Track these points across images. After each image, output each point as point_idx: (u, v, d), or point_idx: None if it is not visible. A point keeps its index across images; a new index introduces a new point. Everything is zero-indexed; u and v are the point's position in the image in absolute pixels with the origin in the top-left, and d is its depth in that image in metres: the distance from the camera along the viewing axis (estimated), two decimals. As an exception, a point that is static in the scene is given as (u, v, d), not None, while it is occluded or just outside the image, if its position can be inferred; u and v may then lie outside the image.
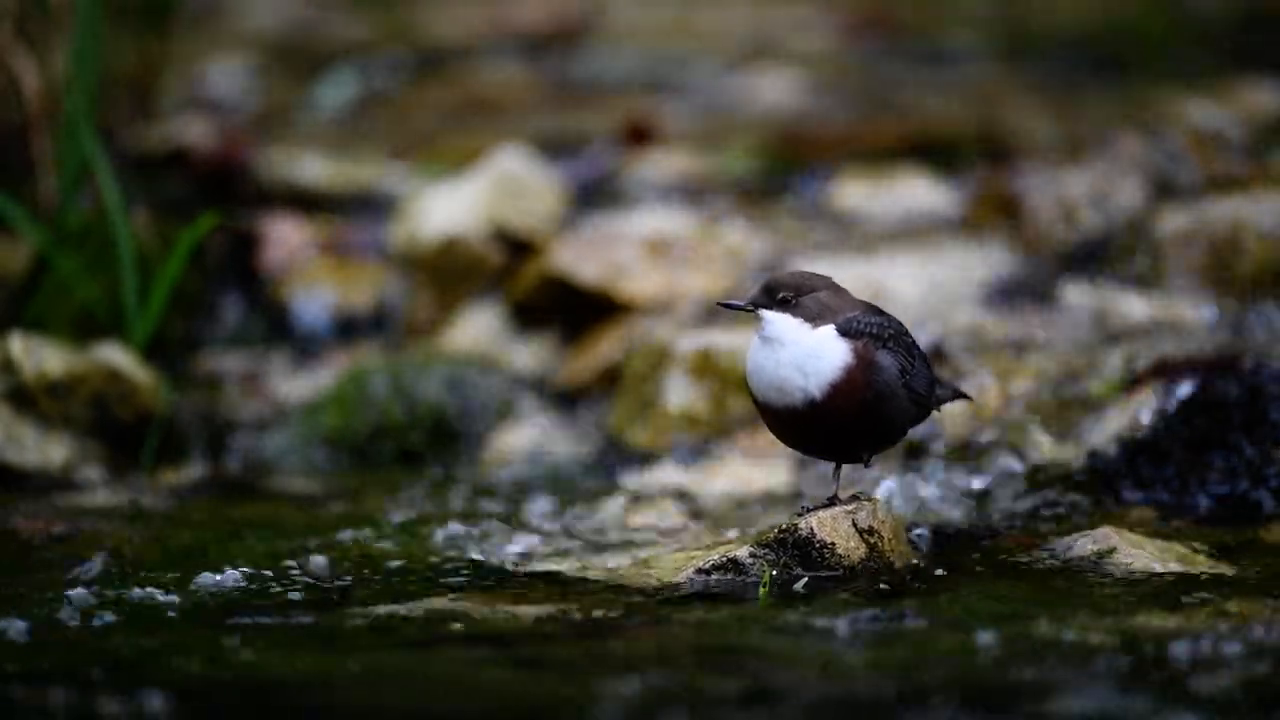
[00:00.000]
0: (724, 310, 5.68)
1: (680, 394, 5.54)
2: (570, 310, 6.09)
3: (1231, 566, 4.17)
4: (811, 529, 4.13)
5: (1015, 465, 4.89)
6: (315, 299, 6.35)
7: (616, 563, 4.42)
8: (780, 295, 4.14)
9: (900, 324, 4.23)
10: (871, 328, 4.15)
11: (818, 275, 4.22)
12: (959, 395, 4.55)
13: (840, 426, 4.12)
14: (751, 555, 4.13)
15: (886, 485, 4.86)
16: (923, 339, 5.47)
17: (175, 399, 5.75)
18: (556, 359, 6.05)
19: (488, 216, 6.31)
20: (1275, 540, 4.41)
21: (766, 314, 4.14)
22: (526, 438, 5.67)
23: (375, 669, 3.50)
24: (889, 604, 3.87)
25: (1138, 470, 4.80)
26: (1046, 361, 5.27)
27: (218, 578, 4.22)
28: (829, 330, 4.13)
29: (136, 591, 4.10)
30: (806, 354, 4.11)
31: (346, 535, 4.74)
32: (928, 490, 4.84)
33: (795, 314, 4.13)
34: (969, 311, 5.74)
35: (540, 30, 9.03)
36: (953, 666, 3.44)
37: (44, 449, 5.53)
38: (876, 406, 4.12)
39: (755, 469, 5.19)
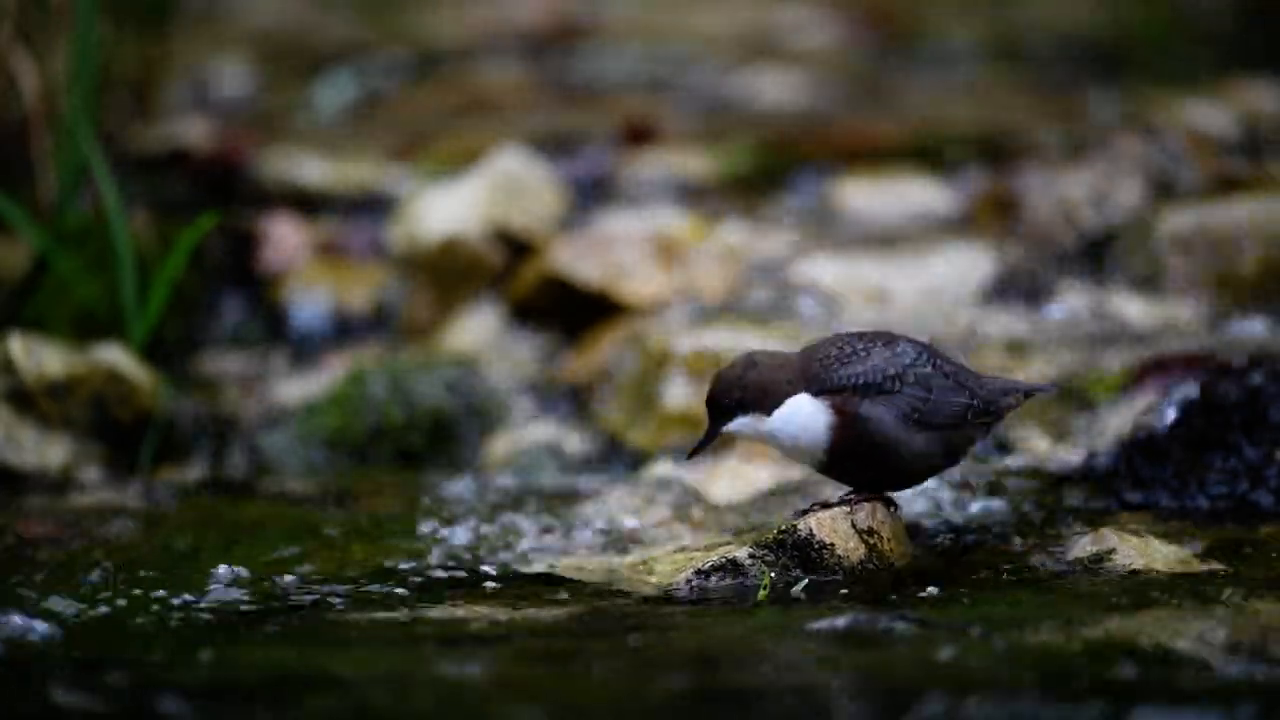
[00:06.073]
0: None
1: (680, 394, 5.54)
2: (570, 310, 6.08)
3: (1231, 567, 4.17)
4: (811, 530, 4.13)
5: (1014, 466, 4.89)
6: (314, 299, 6.35)
7: (615, 563, 4.42)
8: (727, 403, 4.12)
9: (912, 353, 4.15)
10: (854, 379, 4.11)
11: (735, 361, 4.16)
12: (1031, 394, 4.37)
13: (858, 470, 4.14)
14: (751, 556, 4.13)
15: None
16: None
17: (174, 399, 5.75)
18: (556, 359, 6.05)
19: (487, 216, 6.31)
20: (1275, 541, 4.41)
21: (735, 426, 4.14)
22: (526, 438, 5.67)
23: (374, 669, 3.50)
24: (888, 605, 3.87)
25: (1137, 471, 4.80)
26: (1045, 362, 5.27)
27: (216, 578, 4.22)
28: (802, 398, 4.11)
29: (135, 592, 4.10)
30: (798, 430, 4.11)
31: (345, 536, 4.74)
32: (926, 491, 4.83)
33: (756, 409, 4.12)
34: (968, 312, 5.74)
35: (540, 30, 9.03)
36: (951, 667, 3.44)
37: (43, 450, 5.53)
38: (877, 456, 4.10)
39: (755, 469, 5.18)
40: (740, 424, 4.16)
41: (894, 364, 4.13)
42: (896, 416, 4.11)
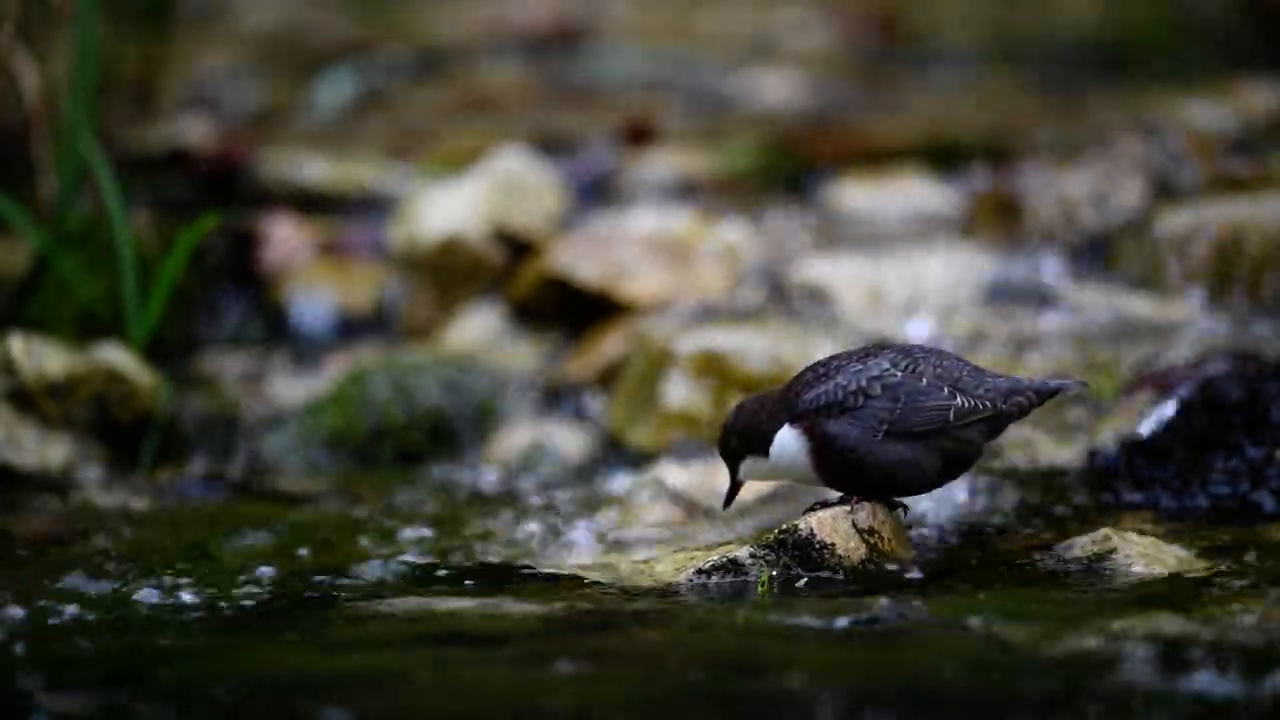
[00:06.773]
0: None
1: (680, 394, 5.54)
2: (570, 310, 6.09)
3: (1231, 567, 4.17)
4: (811, 529, 4.13)
5: (1014, 465, 4.88)
6: (315, 299, 6.35)
7: (616, 563, 4.42)
8: (729, 453, 4.25)
9: (885, 364, 4.13)
10: (816, 400, 4.13)
11: (729, 410, 4.28)
12: (1051, 393, 4.20)
13: (849, 486, 4.17)
14: (751, 556, 4.13)
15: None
16: (922, 340, 5.47)
17: (175, 400, 5.75)
18: (557, 359, 6.05)
19: (488, 216, 6.31)
20: (1276, 541, 4.41)
21: (744, 472, 4.26)
22: (526, 438, 5.67)
23: (374, 669, 3.50)
24: (888, 604, 3.86)
25: (1137, 470, 4.80)
26: (1046, 362, 5.27)
27: (217, 579, 4.22)
28: (785, 430, 4.16)
29: (136, 592, 4.10)
30: (790, 460, 4.17)
31: (346, 536, 4.74)
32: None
33: (753, 451, 4.21)
34: (969, 312, 5.74)
35: (540, 30, 9.04)
36: (951, 668, 3.44)
37: (44, 450, 5.53)
38: (850, 472, 4.12)
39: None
40: (747, 468, 4.26)
41: (859, 378, 4.13)
42: (863, 430, 4.11)
